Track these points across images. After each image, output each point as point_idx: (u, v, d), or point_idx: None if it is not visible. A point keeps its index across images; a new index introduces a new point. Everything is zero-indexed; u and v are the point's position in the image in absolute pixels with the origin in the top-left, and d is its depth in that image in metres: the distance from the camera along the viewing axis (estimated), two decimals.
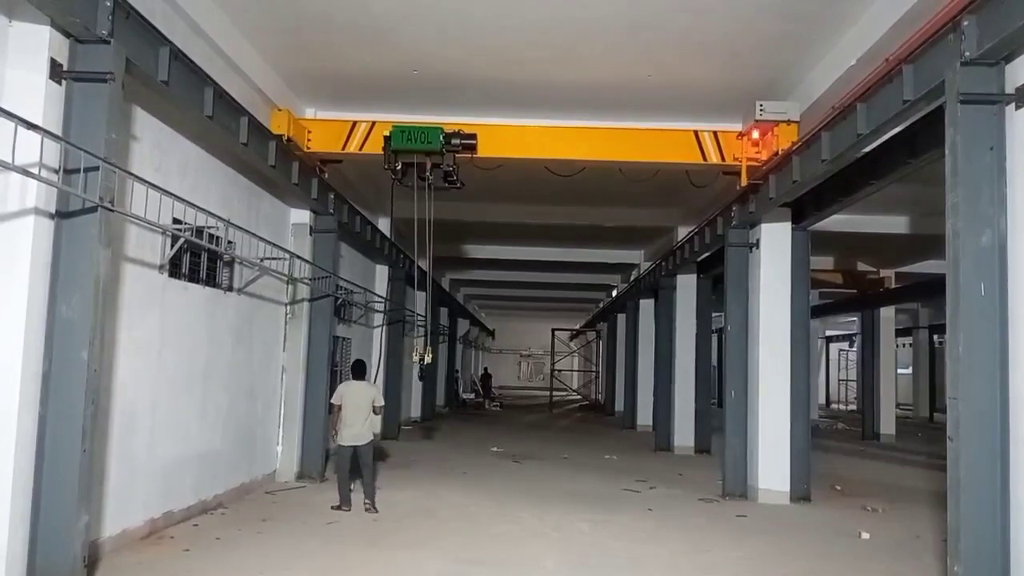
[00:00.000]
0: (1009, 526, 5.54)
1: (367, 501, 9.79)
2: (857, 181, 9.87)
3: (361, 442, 9.89)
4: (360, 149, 11.37)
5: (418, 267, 14.19)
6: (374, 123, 11.29)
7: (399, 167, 10.53)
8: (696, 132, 11.32)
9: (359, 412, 9.87)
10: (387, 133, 10.55)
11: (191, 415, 9.02)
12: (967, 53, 5.83)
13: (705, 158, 11.29)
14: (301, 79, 10.97)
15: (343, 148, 11.48)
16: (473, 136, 10.56)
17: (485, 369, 38.71)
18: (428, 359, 11.06)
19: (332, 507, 9.76)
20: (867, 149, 8.90)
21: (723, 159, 11.25)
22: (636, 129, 11.47)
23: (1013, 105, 5.73)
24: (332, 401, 10.21)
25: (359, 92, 11.42)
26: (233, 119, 8.63)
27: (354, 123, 11.40)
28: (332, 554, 7.66)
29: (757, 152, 10.78)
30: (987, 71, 5.83)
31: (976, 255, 5.74)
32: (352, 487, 9.97)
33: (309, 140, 11.35)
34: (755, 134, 10.65)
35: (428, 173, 10.50)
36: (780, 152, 10.16)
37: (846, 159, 8.81)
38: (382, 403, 10.25)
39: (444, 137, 10.33)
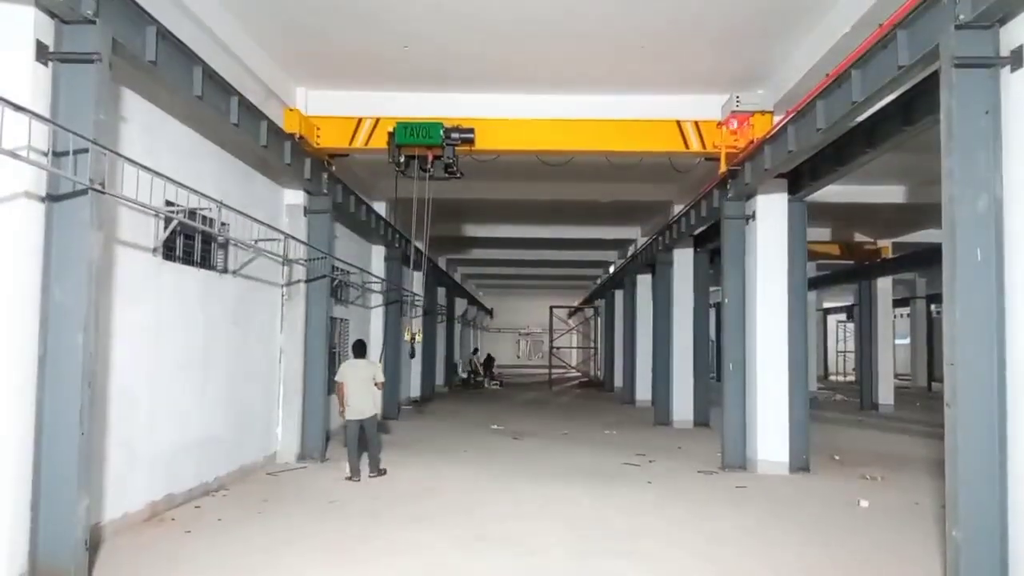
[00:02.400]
0: (1007, 490, 5.56)
1: (372, 471, 10.66)
2: (853, 150, 9.82)
3: (365, 416, 10.68)
4: (366, 144, 11.93)
5: (415, 248, 14.25)
6: (378, 119, 11.82)
7: (402, 159, 11.19)
8: (679, 122, 11.79)
9: (361, 388, 10.66)
10: (391, 129, 11.17)
11: (190, 398, 9.02)
12: (961, 16, 5.77)
13: (687, 146, 11.81)
14: (290, 58, 10.86)
15: (350, 143, 12.02)
16: (471, 131, 11.17)
17: (488, 355, 38.93)
18: (419, 338, 11.82)
19: (345, 477, 10.47)
20: (862, 117, 8.85)
21: (704, 147, 11.78)
22: (623, 120, 11.83)
23: (1008, 68, 5.69)
24: (336, 379, 10.85)
25: (350, 70, 11.35)
26: (223, 99, 8.56)
27: (359, 120, 11.93)
28: (334, 533, 7.69)
29: (735, 140, 11.37)
30: (982, 34, 5.77)
31: (972, 220, 5.71)
32: (361, 460, 10.77)
33: (318, 137, 11.91)
34: (733, 124, 11.27)
35: (430, 165, 11.17)
36: (755, 140, 10.77)
37: (841, 127, 8.76)
38: (382, 379, 10.95)
39: (444, 132, 11.00)
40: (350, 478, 10.42)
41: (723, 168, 11.67)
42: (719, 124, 11.52)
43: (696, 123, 11.73)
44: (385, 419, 16.06)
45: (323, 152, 12.09)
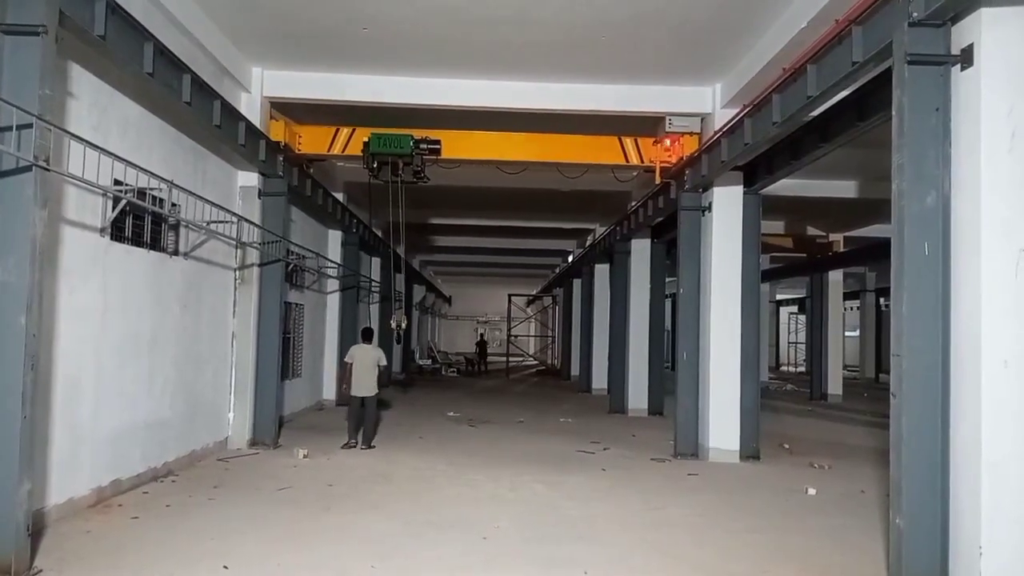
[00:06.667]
0: (949, 480, 5.70)
1: (363, 443, 11.84)
2: (807, 144, 9.97)
3: (366, 394, 11.91)
4: (343, 151, 13.25)
5: (373, 233, 14.33)
6: (354, 129, 13.13)
7: (375, 166, 12.69)
8: (620, 138, 13.19)
9: (365, 369, 11.90)
10: (366, 139, 12.63)
11: (138, 382, 8.83)
12: (915, 14, 5.86)
13: (627, 159, 13.24)
14: (247, 37, 10.65)
15: (328, 150, 13.33)
16: (438, 142, 12.72)
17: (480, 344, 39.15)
18: (403, 324, 13.64)
19: (341, 446, 11.82)
20: (817, 112, 8.97)
21: (641, 160, 13.24)
22: (570, 136, 13.30)
23: (959, 66, 5.79)
24: (345, 360, 12.29)
25: (308, 51, 11.16)
26: (175, 77, 8.35)
27: (337, 129, 13.21)
28: (285, 519, 7.61)
29: (668, 156, 12.91)
30: (934, 32, 5.87)
31: (920, 215, 5.82)
32: (359, 434, 12.02)
33: (299, 144, 13.09)
34: (667, 142, 12.86)
35: (400, 171, 12.70)
36: (684, 157, 12.25)
37: (797, 121, 8.87)
38: (385, 363, 12.33)
39: (414, 143, 12.53)
40: (347, 445, 11.79)
41: (658, 179, 13.02)
42: (655, 141, 13.01)
43: (635, 139, 13.11)
44: (341, 405, 15.96)
45: (303, 158, 13.31)
